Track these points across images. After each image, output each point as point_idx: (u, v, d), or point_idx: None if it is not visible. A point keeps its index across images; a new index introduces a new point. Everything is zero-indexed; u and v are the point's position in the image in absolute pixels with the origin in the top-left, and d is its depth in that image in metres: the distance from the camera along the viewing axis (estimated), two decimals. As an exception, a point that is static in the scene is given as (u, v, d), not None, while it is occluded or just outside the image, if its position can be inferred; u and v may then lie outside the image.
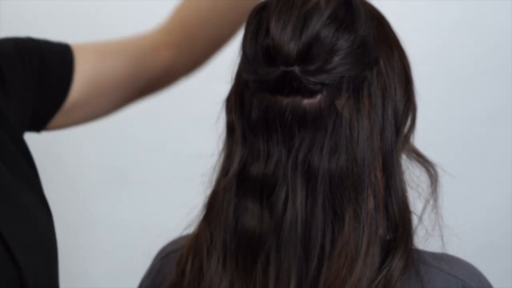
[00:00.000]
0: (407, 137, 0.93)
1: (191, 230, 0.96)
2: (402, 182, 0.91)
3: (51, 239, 0.96)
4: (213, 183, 0.94)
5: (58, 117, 1.08)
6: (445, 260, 0.93)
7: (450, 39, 1.95)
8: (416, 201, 0.93)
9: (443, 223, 0.95)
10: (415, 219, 0.92)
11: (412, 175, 0.93)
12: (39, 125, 1.08)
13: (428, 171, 0.93)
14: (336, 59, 0.86)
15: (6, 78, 1.00)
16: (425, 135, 1.88)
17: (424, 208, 0.92)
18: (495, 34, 1.94)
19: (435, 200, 0.93)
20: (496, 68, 1.95)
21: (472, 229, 1.91)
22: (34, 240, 0.93)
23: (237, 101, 0.92)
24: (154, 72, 1.17)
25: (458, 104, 1.97)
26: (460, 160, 1.95)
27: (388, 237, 0.90)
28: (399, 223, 0.90)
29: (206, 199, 0.94)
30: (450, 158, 1.92)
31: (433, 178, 0.93)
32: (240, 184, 0.91)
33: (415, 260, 0.91)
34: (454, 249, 0.98)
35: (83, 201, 1.87)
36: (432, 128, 1.94)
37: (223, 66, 0.94)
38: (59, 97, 1.08)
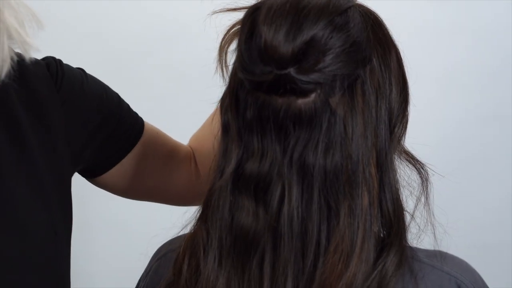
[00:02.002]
0: (399, 138, 0.94)
1: (187, 230, 0.97)
2: (395, 179, 0.93)
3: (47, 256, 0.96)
4: (209, 182, 0.96)
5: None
6: (438, 257, 0.95)
7: (449, 39, 1.96)
8: (408, 199, 0.94)
9: (439, 221, 0.96)
10: (408, 217, 0.94)
11: (403, 175, 0.94)
12: (91, 173, 1.14)
13: (418, 171, 0.95)
14: (328, 58, 0.87)
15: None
16: (425, 135, 1.91)
17: (415, 206, 0.94)
18: (494, 35, 1.95)
19: (426, 199, 0.94)
20: (495, 68, 1.95)
21: (471, 228, 1.93)
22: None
23: (232, 100, 0.94)
24: (182, 174, 1.23)
25: (458, 104, 1.98)
26: (459, 160, 1.97)
27: (382, 233, 0.92)
28: (393, 219, 0.92)
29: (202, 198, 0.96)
30: (450, 158, 1.94)
31: (423, 177, 0.95)
32: (236, 182, 0.93)
33: (409, 258, 0.93)
34: (453, 248, 1.00)
35: (82, 200, 1.88)
36: (432, 128, 1.96)
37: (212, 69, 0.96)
38: (112, 163, 1.14)
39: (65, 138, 1.02)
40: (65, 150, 1.02)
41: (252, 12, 0.92)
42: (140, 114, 1.19)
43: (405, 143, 0.96)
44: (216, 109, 1.17)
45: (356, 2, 0.93)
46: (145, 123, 1.18)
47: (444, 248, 0.97)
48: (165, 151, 1.21)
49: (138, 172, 1.18)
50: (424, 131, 1.85)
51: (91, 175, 1.15)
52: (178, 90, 1.93)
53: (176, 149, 1.23)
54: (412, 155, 0.96)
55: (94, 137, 1.08)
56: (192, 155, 1.25)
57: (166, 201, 1.28)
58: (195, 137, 1.28)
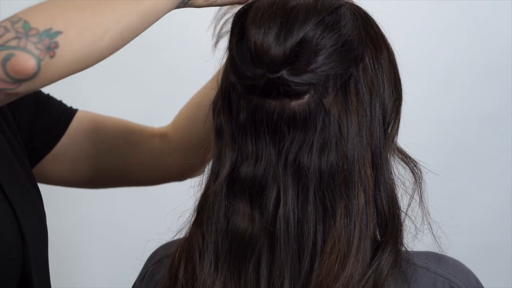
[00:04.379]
0: (393, 136, 0.94)
1: (182, 234, 0.98)
2: (390, 178, 0.94)
3: (44, 224, 1.12)
4: (203, 186, 0.96)
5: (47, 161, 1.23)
6: (432, 259, 0.95)
7: (447, 38, 1.96)
8: (403, 198, 0.94)
9: (441, 222, 0.96)
10: (403, 216, 0.94)
11: (397, 173, 0.94)
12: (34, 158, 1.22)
13: (411, 169, 0.94)
14: (321, 58, 0.88)
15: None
16: (425, 134, 1.90)
17: (409, 205, 0.94)
18: (493, 34, 1.95)
19: (420, 197, 0.94)
20: (495, 68, 1.95)
21: (472, 228, 1.93)
22: (36, 220, 1.09)
23: (225, 104, 0.94)
24: (144, 153, 1.27)
25: (458, 104, 1.99)
26: (458, 160, 1.97)
27: (378, 232, 0.93)
28: (389, 218, 0.93)
29: (197, 202, 0.97)
30: (450, 158, 1.94)
31: (417, 175, 0.95)
32: (230, 186, 0.94)
33: (402, 261, 0.93)
34: (453, 248, 1.00)
35: (78, 203, 1.89)
36: (432, 128, 1.96)
37: (211, 69, 0.96)
38: (51, 141, 1.22)
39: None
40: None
41: (241, 15, 0.93)
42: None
43: (398, 142, 0.96)
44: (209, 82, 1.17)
45: (347, 0, 0.92)
46: (85, 111, 1.25)
47: (444, 249, 0.97)
48: (116, 131, 1.26)
49: (89, 156, 1.24)
50: (423, 130, 1.86)
51: (39, 155, 1.21)
52: (178, 90, 1.93)
53: (131, 128, 1.27)
54: (405, 153, 0.96)
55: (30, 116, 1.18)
56: (159, 133, 1.28)
57: (131, 182, 1.33)
58: (180, 117, 1.31)
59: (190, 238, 0.96)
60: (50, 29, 0.89)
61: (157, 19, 0.96)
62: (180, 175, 1.29)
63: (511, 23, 1.92)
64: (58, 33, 0.89)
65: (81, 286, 1.99)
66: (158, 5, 0.94)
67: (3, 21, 0.90)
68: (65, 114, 1.23)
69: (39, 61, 0.89)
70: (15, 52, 0.88)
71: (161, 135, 1.28)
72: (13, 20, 0.90)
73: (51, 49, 0.89)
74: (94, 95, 1.84)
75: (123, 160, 1.26)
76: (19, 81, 0.89)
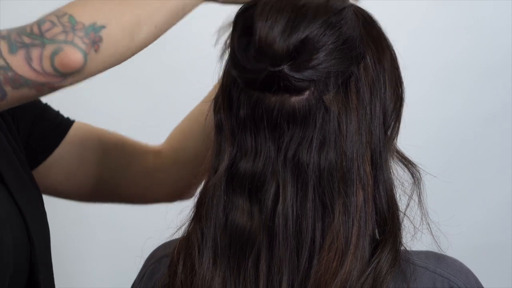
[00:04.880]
0: (392, 138, 0.95)
1: (182, 231, 0.98)
2: (390, 178, 0.94)
3: (47, 224, 1.12)
4: (203, 183, 0.97)
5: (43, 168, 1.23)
6: (431, 258, 0.96)
7: (447, 39, 1.96)
8: (402, 198, 0.95)
9: (441, 222, 0.96)
10: (401, 215, 0.94)
11: (396, 174, 0.95)
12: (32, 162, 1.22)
13: (410, 171, 0.95)
14: (322, 55, 0.89)
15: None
16: (425, 135, 1.90)
17: (407, 205, 0.94)
18: (494, 35, 1.95)
19: (419, 198, 0.94)
20: (496, 69, 1.96)
21: (471, 228, 1.93)
22: (40, 220, 1.09)
23: (225, 99, 0.95)
24: (136, 169, 1.27)
25: (458, 105, 1.99)
26: (459, 161, 1.97)
27: (377, 231, 0.94)
28: (388, 217, 0.93)
29: (196, 198, 0.97)
30: (450, 158, 1.94)
31: (415, 177, 0.95)
32: (229, 181, 0.94)
33: (402, 260, 0.93)
34: (453, 248, 1.00)
35: (77, 203, 1.88)
36: (432, 129, 1.97)
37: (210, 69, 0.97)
38: (47, 149, 1.22)
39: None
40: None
41: (246, 9, 0.93)
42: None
43: (399, 142, 0.96)
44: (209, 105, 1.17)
45: (351, 2, 0.94)
46: (81, 122, 1.25)
47: (443, 248, 0.97)
48: (110, 144, 1.26)
49: (83, 168, 1.24)
50: (423, 131, 1.86)
51: (34, 162, 1.21)
52: (178, 90, 1.94)
53: (125, 142, 1.28)
54: (403, 155, 0.96)
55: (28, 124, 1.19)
56: (153, 150, 1.29)
57: (124, 198, 1.33)
58: (176, 133, 1.30)
59: (189, 234, 0.96)
60: (94, 23, 0.91)
61: (188, 13, 0.99)
62: (171, 196, 1.29)
63: (511, 24, 1.93)
64: (102, 27, 0.91)
65: (81, 286, 1.99)
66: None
67: (48, 15, 0.92)
68: (63, 124, 1.24)
69: (86, 55, 0.91)
70: (64, 46, 0.90)
71: (155, 152, 1.28)
72: (58, 14, 0.92)
73: (96, 43, 0.91)
74: (94, 95, 1.84)
75: (116, 173, 1.27)
76: (65, 75, 0.91)
